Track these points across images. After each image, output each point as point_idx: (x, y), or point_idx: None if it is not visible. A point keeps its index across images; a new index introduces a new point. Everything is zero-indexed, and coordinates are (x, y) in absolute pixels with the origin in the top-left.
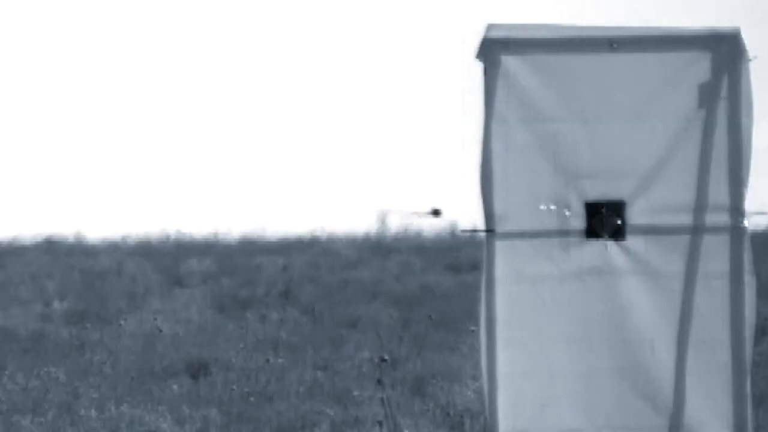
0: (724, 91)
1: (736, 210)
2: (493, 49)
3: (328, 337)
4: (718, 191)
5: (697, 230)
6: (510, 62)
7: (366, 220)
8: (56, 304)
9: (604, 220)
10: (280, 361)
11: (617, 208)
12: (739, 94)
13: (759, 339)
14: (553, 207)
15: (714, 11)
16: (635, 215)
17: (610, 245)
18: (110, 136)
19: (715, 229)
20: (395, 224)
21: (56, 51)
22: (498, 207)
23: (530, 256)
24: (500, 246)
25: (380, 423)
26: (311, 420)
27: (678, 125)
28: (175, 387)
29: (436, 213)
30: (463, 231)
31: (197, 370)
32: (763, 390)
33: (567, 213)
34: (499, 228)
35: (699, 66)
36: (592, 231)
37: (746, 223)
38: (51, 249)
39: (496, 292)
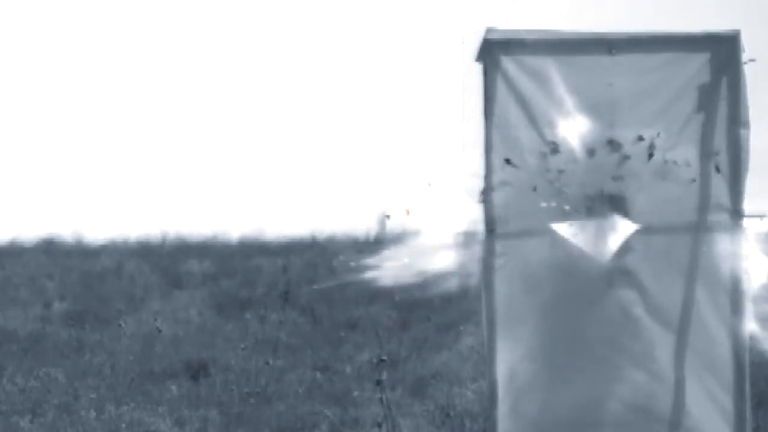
0: (723, 93)
1: (735, 211)
2: (493, 51)
3: (328, 338)
4: (717, 192)
5: (696, 231)
6: (510, 64)
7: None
8: (56, 305)
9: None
10: (279, 362)
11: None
12: (737, 96)
13: None
14: (553, 204)
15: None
16: (635, 215)
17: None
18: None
19: (715, 230)
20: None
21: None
22: (498, 207)
23: (530, 255)
24: (500, 246)
25: (380, 424)
26: (310, 421)
27: (677, 126)
28: (174, 388)
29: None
30: (463, 231)
31: (197, 371)
32: (763, 390)
33: (566, 208)
34: (499, 228)
35: (698, 67)
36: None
37: (745, 224)
38: (50, 250)
39: (495, 292)
